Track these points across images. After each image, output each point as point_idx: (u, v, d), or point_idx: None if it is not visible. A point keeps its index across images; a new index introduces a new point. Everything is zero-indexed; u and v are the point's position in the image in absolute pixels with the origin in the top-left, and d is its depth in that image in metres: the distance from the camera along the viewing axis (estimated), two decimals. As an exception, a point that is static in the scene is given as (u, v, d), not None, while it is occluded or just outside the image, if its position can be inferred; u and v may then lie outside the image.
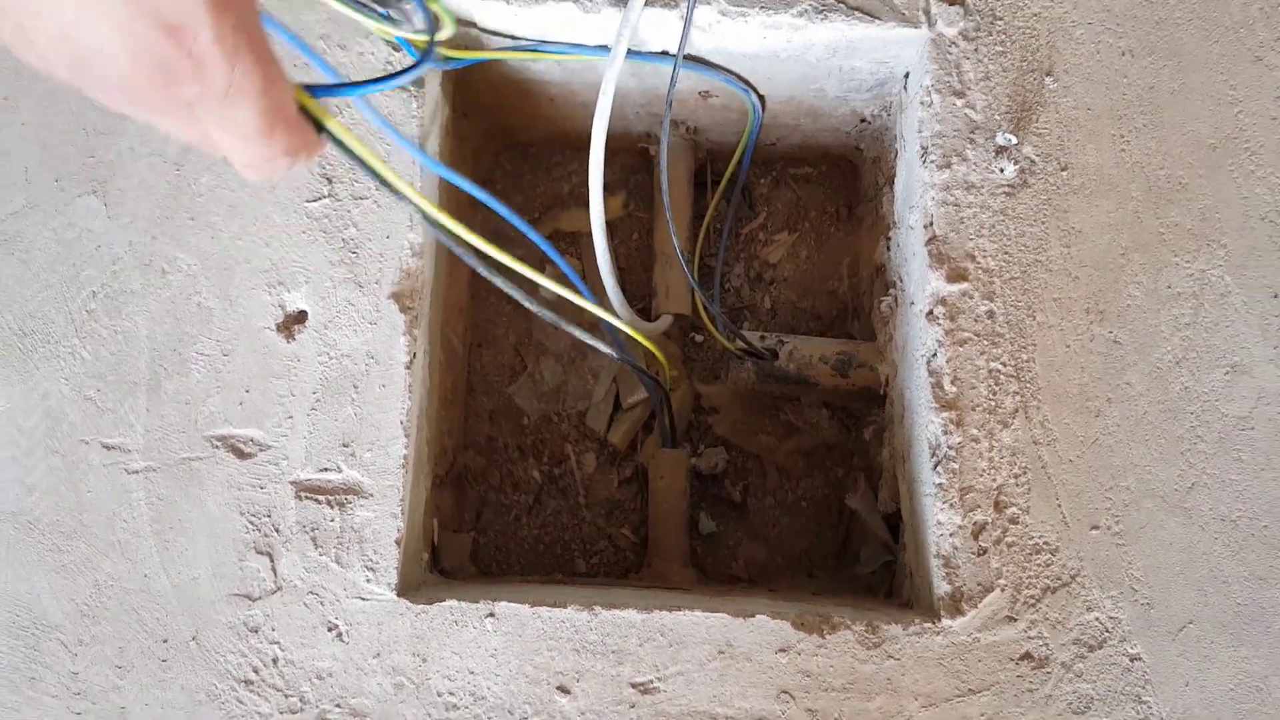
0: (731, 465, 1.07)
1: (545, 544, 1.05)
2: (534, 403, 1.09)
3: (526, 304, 0.71)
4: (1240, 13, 0.83)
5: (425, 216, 0.62)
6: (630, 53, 0.89)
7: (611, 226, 1.12)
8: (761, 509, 1.06)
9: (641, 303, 1.08)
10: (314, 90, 0.49)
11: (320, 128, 0.49)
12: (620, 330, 0.89)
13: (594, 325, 1.01)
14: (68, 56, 0.38)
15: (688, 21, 0.83)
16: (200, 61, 0.39)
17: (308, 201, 0.81)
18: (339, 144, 0.51)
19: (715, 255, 1.09)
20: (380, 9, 0.70)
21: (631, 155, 1.12)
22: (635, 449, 1.07)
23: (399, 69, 0.59)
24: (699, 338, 1.11)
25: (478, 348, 1.10)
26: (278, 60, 0.43)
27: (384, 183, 0.56)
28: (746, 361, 0.99)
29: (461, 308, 1.02)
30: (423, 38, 0.73)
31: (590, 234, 1.12)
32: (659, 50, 0.89)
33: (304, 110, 0.48)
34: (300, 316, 0.80)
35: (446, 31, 0.79)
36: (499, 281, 0.66)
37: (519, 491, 1.06)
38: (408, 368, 0.79)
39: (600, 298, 1.07)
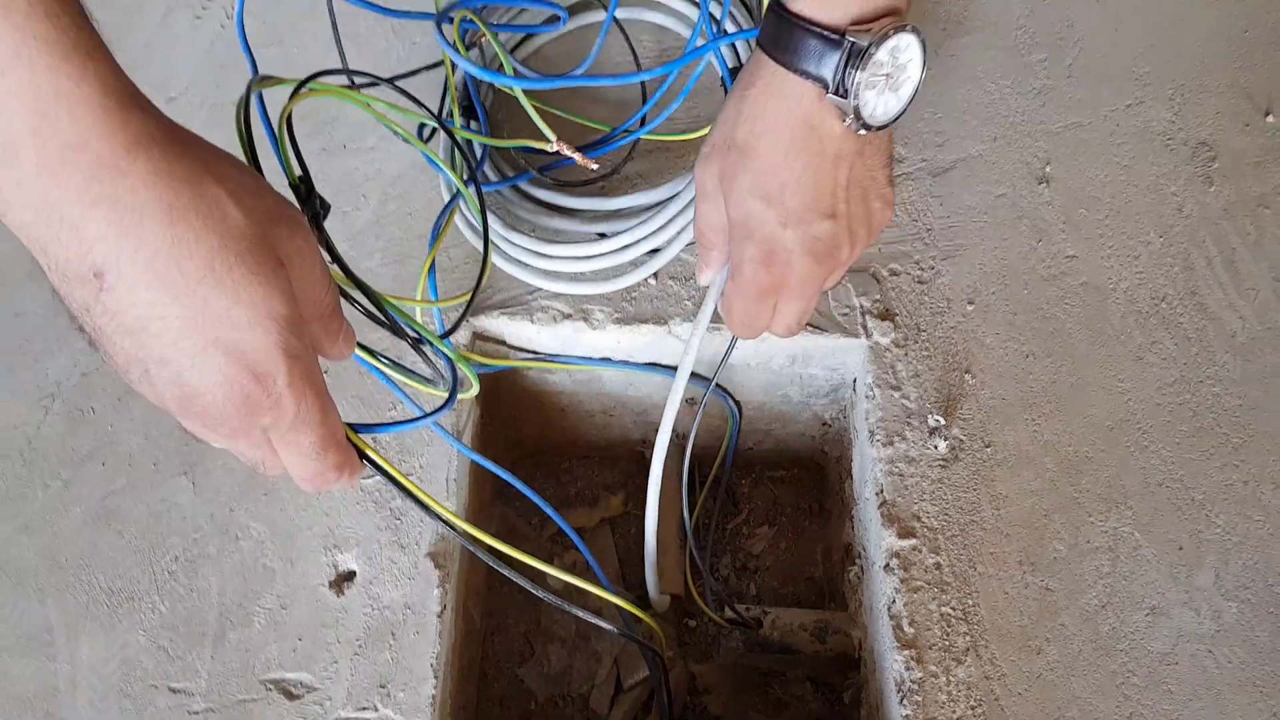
0: (726, 742, 1.15)
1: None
2: (542, 685, 1.19)
3: (538, 594, 0.80)
4: (1119, 323, 1.04)
5: (452, 527, 0.73)
6: (626, 363, 1.09)
7: (612, 523, 1.27)
8: (756, 783, 1.13)
9: (638, 589, 1.20)
10: (355, 427, 0.63)
11: (362, 455, 0.63)
12: (627, 609, 0.98)
13: (598, 608, 1.13)
14: (178, 393, 0.50)
15: (729, 350, 0.97)
16: (278, 399, 0.52)
17: (363, 479, 0.97)
18: (378, 468, 0.64)
19: (704, 547, 1.23)
20: (419, 373, 0.83)
21: (630, 460, 1.29)
22: (635, 727, 1.16)
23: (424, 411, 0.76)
24: (692, 623, 1.23)
25: (491, 636, 1.21)
26: (330, 397, 0.57)
27: (414, 499, 0.68)
28: (735, 631, 1.10)
29: (480, 592, 1.15)
30: (444, 391, 0.82)
31: (591, 529, 1.28)
32: (648, 362, 1.09)
33: (350, 441, 0.62)
34: (350, 575, 0.94)
35: (471, 391, 0.97)
36: (515, 577, 0.77)
37: (526, 772, 1.14)
38: (439, 616, 0.91)
39: (614, 581, 1.20)
